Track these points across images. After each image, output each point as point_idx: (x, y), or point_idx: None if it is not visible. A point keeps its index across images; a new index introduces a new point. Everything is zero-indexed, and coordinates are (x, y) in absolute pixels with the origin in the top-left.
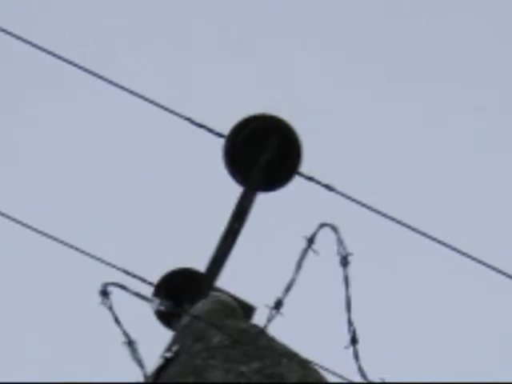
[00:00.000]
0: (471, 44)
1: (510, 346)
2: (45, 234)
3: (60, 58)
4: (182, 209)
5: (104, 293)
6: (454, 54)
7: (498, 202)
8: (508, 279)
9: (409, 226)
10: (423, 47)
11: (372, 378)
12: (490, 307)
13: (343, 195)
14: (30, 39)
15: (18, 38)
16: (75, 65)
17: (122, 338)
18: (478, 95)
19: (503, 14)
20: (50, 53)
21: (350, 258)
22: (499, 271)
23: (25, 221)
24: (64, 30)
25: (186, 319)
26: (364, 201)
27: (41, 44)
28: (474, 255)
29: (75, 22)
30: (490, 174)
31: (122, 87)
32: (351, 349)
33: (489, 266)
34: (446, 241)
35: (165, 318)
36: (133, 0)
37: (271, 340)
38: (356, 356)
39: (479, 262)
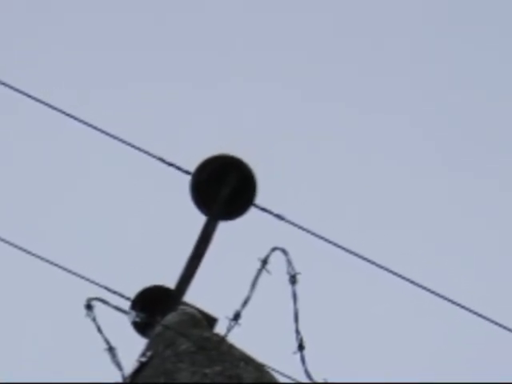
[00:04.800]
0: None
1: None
2: (42, 258)
3: (38, 100)
4: (155, 235)
5: (88, 306)
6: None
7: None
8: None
9: (348, 250)
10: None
11: (316, 378)
12: (415, 319)
13: (292, 223)
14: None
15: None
16: (55, 108)
17: (104, 345)
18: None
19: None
20: (21, 92)
21: (297, 277)
22: (427, 289)
23: (21, 245)
24: (41, 73)
25: (158, 329)
26: (309, 228)
27: (13, 84)
28: (404, 275)
29: (51, 64)
30: (421, 200)
31: (111, 135)
32: (299, 354)
33: (413, 283)
34: (379, 262)
35: (140, 327)
36: (109, 43)
37: (231, 347)
38: (303, 360)
39: (408, 280)
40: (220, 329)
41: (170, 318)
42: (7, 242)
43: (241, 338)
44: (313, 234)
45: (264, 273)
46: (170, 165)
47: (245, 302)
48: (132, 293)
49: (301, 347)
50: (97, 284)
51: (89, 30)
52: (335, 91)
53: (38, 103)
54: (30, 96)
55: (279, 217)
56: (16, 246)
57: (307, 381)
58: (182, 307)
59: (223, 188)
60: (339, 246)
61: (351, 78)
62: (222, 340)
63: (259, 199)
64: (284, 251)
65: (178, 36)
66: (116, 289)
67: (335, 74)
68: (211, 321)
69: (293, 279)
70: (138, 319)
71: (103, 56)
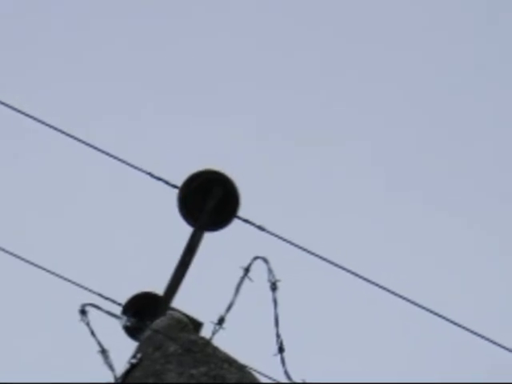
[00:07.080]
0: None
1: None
2: (40, 267)
3: (32, 117)
4: (144, 245)
5: (83, 311)
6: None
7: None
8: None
9: (324, 259)
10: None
11: (295, 379)
12: (392, 324)
13: (272, 234)
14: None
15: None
16: (48, 125)
17: (97, 348)
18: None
19: None
20: (14, 109)
21: (278, 284)
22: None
23: (21, 255)
24: (38, 93)
25: (147, 332)
26: (289, 238)
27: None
28: (381, 283)
29: (46, 76)
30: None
31: (107, 153)
32: (279, 356)
33: (390, 291)
34: (355, 270)
35: (131, 331)
36: (103, 54)
37: (215, 349)
38: (283, 362)
39: (385, 289)
40: (205, 332)
41: (159, 322)
42: (6, 251)
43: (225, 341)
44: (292, 243)
45: (246, 280)
46: (159, 179)
47: (228, 308)
48: (123, 299)
49: (281, 349)
50: (90, 291)
51: (82, 43)
52: (321, 101)
53: (31, 119)
54: (23, 113)
55: (260, 228)
56: (15, 255)
57: (287, 381)
58: (169, 312)
59: (208, 201)
60: (317, 255)
61: (335, 90)
62: (207, 343)
63: (242, 211)
64: (265, 260)
65: (170, 51)
66: (108, 295)
67: (320, 85)
68: (197, 325)
69: (273, 286)
70: (128, 323)
71: (94, 72)
